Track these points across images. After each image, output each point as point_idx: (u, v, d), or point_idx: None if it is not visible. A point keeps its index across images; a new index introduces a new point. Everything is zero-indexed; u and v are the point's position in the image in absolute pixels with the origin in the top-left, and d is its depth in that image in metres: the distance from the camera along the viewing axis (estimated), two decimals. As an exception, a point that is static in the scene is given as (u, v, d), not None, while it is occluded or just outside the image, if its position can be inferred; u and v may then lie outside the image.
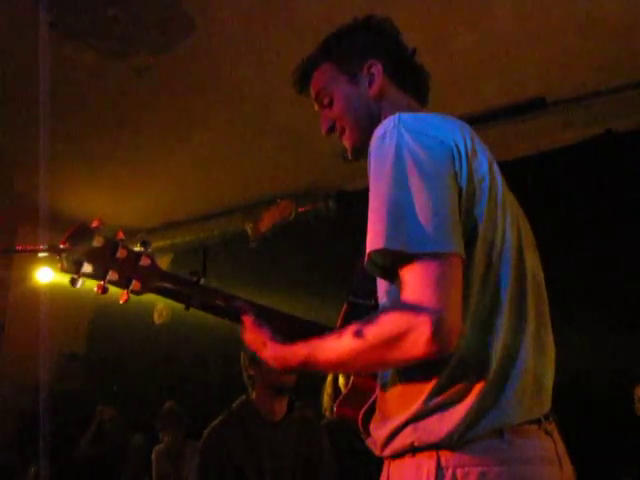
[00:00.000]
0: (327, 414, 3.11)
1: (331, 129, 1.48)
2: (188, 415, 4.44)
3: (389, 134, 1.13)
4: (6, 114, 3.90)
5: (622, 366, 3.46)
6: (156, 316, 6.03)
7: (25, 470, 4.55)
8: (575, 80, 3.69)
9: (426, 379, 1.09)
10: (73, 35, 3.21)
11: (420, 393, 1.09)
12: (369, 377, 1.38)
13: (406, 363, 1.10)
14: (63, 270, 1.24)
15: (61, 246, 1.24)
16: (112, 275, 1.28)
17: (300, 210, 4.95)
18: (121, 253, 1.29)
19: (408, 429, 1.10)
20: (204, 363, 5.38)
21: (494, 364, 1.08)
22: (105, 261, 1.28)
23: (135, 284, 1.32)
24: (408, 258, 1.04)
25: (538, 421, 1.13)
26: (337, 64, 1.44)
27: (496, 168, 1.23)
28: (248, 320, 1.35)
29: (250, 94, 3.80)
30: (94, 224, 1.27)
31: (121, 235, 1.31)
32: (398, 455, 1.13)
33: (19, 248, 1.42)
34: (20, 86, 3.56)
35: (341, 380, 3.03)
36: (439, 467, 1.05)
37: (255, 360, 2.73)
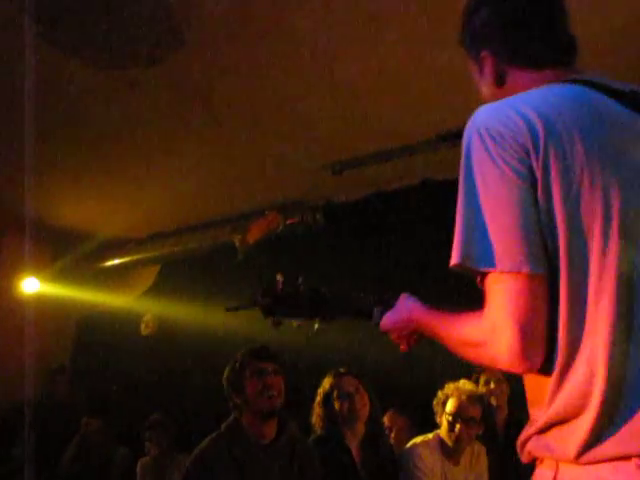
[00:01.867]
0: (318, 433, 3.08)
1: None
2: (175, 427, 4.41)
3: (466, 136, 1.10)
4: (-7, 124, 3.89)
5: None
6: (143, 327, 6.00)
7: (9, 483, 4.49)
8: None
9: (543, 394, 1.06)
10: (62, 47, 3.22)
11: (540, 407, 1.07)
12: None
13: (495, 367, 1.15)
14: (265, 317, 1.53)
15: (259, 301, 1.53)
16: (302, 317, 1.54)
17: (288, 222, 4.96)
18: (304, 297, 1.53)
19: (532, 439, 1.10)
20: (191, 374, 5.35)
21: (609, 384, 0.97)
22: (294, 306, 1.53)
23: (325, 316, 1.54)
24: (485, 273, 1.04)
25: None
26: (467, 51, 1.35)
27: (612, 144, 1.06)
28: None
29: (238, 107, 3.82)
30: (281, 280, 1.54)
31: (300, 280, 1.56)
32: (533, 462, 1.13)
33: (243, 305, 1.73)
34: (7, 96, 3.56)
35: (337, 404, 3.02)
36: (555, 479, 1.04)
37: (238, 388, 2.71)
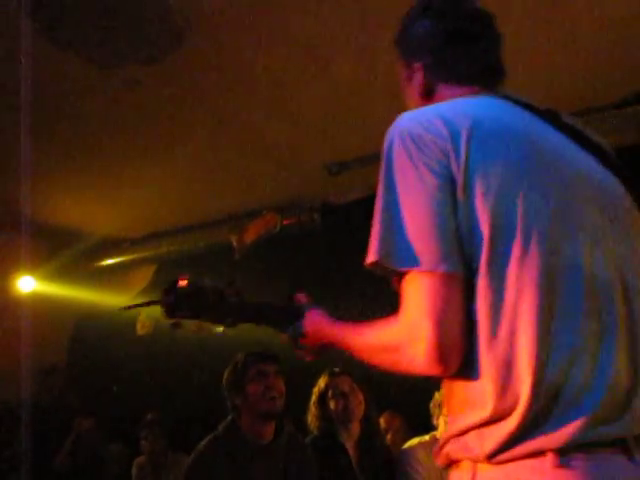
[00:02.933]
0: (314, 433, 3.08)
1: None
2: (170, 426, 4.40)
3: (387, 139, 1.12)
4: (-11, 122, 3.88)
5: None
6: (139, 327, 5.98)
7: (3, 483, 4.48)
8: (557, 99, 3.74)
9: (463, 394, 1.06)
10: (60, 43, 3.21)
11: (459, 407, 1.08)
12: None
13: (411, 374, 1.10)
14: (167, 316, 1.41)
15: (161, 299, 1.41)
16: (206, 317, 1.44)
17: (285, 223, 4.95)
18: (211, 296, 1.43)
19: (450, 442, 1.09)
20: (187, 374, 5.34)
21: (537, 381, 0.97)
22: (199, 305, 1.41)
23: (228, 321, 1.47)
24: (401, 273, 1.04)
25: (616, 443, 0.97)
26: (400, 59, 1.38)
27: (534, 155, 1.09)
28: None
29: (237, 107, 3.82)
30: (183, 278, 1.42)
31: (208, 282, 1.45)
32: (447, 465, 1.13)
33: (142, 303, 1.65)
34: (3, 94, 3.54)
35: (332, 404, 3.02)
36: None
37: (239, 389, 2.70)
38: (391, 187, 1.07)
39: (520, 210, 1.02)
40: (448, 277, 1.01)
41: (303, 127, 4.02)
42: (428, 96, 1.30)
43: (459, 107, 1.13)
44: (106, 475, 4.58)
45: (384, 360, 1.13)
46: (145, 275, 6.13)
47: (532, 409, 0.96)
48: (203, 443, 2.63)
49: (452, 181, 1.03)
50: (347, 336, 1.26)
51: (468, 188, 1.03)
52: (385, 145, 1.12)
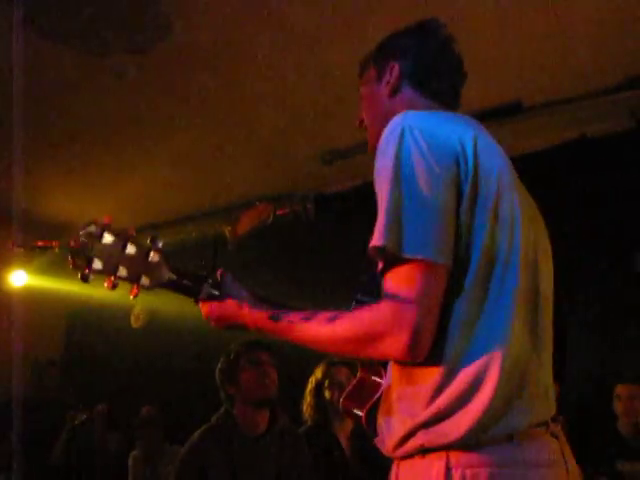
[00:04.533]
0: (308, 423, 3.08)
1: (360, 123, 1.54)
2: (166, 420, 4.39)
3: (395, 131, 1.16)
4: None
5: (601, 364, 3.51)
6: (133, 320, 5.97)
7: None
8: (552, 85, 3.73)
9: (436, 382, 1.10)
10: (48, 34, 3.17)
11: (430, 396, 1.11)
12: (374, 375, 1.46)
13: (378, 360, 1.22)
14: (74, 267, 1.24)
15: (72, 243, 1.24)
16: (122, 271, 1.28)
17: (278, 213, 4.94)
18: (130, 249, 1.29)
19: (420, 432, 1.11)
20: (182, 367, 5.33)
21: (504, 371, 1.08)
22: (115, 257, 1.27)
23: (144, 280, 1.32)
24: (399, 260, 1.07)
25: (545, 424, 1.14)
26: (374, 65, 1.49)
27: (509, 172, 1.22)
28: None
29: (229, 96, 3.78)
30: (104, 221, 1.27)
31: (132, 232, 1.32)
32: (408, 456, 1.15)
33: (38, 244, 1.38)
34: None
35: (327, 394, 3.02)
36: (448, 467, 1.07)
37: (232, 378, 2.70)
38: (400, 177, 1.10)
39: (508, 220, 1.15)
40: (444, 270, 1.08)
41: (296, 117, 3.99)
42: (394, 95, 1.42)
43: (457, 118, 1.25)
44: (104, 466, 4.58)
45: (352, 348, 1.15)
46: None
47: (503, 394, 1.07)
48: (196, 433, 2.63)
49: (458, 183, 1.11)
50: (298, 325, 1.23)
51: (472, 192, 1.12)
52: (392, 135, 1.15)
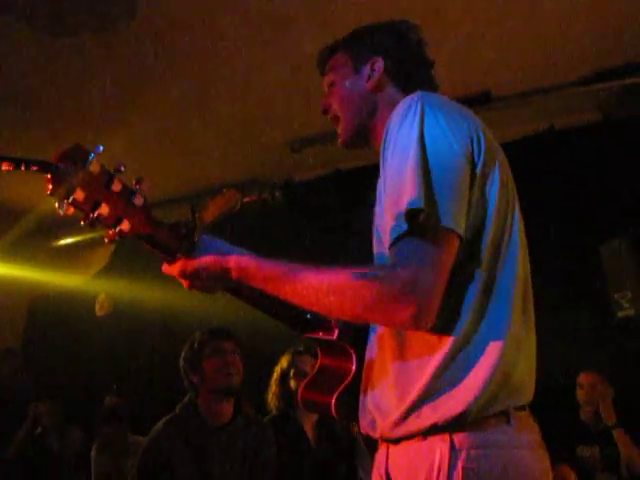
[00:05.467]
0: (273, 412, 3.06)
1: (325, 111, 1.52)
2: (129, 411, 4.32)
3: (414, 108, 1.16)
4: None
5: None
6: (97, 308, 5.86)
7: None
8: (520, 75, 3.74)
9: (444, 354, 1.10)
10: (11, 13, 3.05)
11: (437, 367, 1.10)
12: (341, 360, 1.39)
13: (376, 323, 1.21)
14: (52, 192, 1.09)
15: (54, 162, 1.10)
16: (103, 209, 1.14)
17: (246, 200, 4.88)
18: (116, 186, 1.16)
19: (426, 408, 1.10)
20: (148, 356, 5.26)
21: (506, 347, 1.11)
22: (98, 191, 1.14)
23: (124, 224, 1.19)
24: (429, 228, 1.06)
25: (528, 407, 1.19)
26: (350, 55, 1.49)
27: (507, 164, 1.28)
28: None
29: (195, 81, 3.71)
30: (94, 148, 1.13)
31: (121, 168, 1.18)
32: (406, 438, 1.13)
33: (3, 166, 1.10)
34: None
35: (292, 383, 3.00)
36: (453, 449, 1.07)
37: (196, 366, 2.66)
38: (427, 150, 1.10)
39: (504, 203, 1.20)
40: (459, 243, 1.09)
41: (265, 103, 3.94)
42: (377, 90, 1.42)
43: (464, 108, 1.28)
44: (63, 462, 4.49)
45: (355, 309, 1.09)
46: (104, 254, 5.98)
47: (503, 369, 1.10)
48: (159, 424, 2.59)
49: (473, 162, 1.15)
50: (292, 272, 1.18)
51: (483, 172, 1.16)
52: (412, 109, 1.16)
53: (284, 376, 3.07)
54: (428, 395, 1.10)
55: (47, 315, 6.16)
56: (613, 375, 3.59)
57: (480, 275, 1.14)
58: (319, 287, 1.11)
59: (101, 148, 1.12)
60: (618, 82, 3.68)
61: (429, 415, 1.09)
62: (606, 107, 3.97)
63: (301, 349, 3.09)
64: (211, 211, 5.00)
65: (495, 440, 1.09)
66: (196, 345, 2.71)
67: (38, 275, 5.78)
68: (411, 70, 1.46)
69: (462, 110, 1.25)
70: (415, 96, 1.21)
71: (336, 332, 1.39)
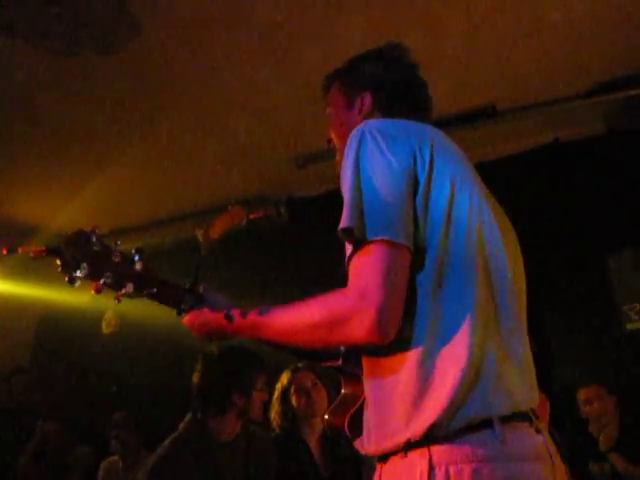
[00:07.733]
0: (276, 431, 3.05)
1: (329, 141, 1.62)
2: (139, 426, 4.32)
3: (356, 135, 1.24)
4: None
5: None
6: (104, 325, 5.86)
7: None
8: (525, 89, 3.76)
9: (410, 367, 1.11)
10: (16, 34, 3.09)
11: (405, 382, 1.11)
12: (355, 384, 1.50)
13: (348, 345, 1.27)
14: (62, 270, 1.30)
15: (61, 247, 1.31)
16: (108, 277, 1.35)
17: (251, 217, 4.90)
18: (116, 257, 1.37)
19: (398, 424, 1.11)
20: (155, 372, 5.25)
21: (469, 356, 1.09)
22: (102, 263, 1.34)
23: (129, 287, 1.38)
24: (362, 242, 1.12)
25: (528, 418, 1.14)
26: (343, 88, 1.57)
27: (470, 173, 1.31)
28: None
29: (200, 98, 3.74)
30: (91, 229, 1.34)
31: (96, 231, 1.36)
32: (391, 454, 1.14)
33: (20, 250, 1.71)
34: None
35: (294, 399, 2.99)
36: (431, 466, 1.05)
37: (248, 391, 2.66)
38: (361, 171, 1.18)
39: (468, 206, 1.21)
40: (406, 250, 1.12)
41: (270, 120, 3.96)
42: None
43: (419, 125, 1.33)
44: (73, 476, 4.47)
45: (320, 334, 1.15)
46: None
47: (470, 380, 1.08)
48: (166, 444, 2.55)
49: (414, 175, 1.19)
50: (270, 319, 1.26)
51: (431, 184, 1.19)
52: (354, 139, 1.24)
53: (284, 393, 3.06)
54: (399, 410, 1.11)
55: (55, 333, 6.16)
56: (622, 388, 3.56)
57: (433, 283, 1.14)
58: (291, 328, 1.22)
59: (97, 230, 1.34)
60: (622, 94, 3.68)
61: (403, 430, 1.10)
62: (611, 119, 3.98)
63: (300, 365, 3.08)
64: (217, 227, 5.03)
65: (477, 454, 1.04)
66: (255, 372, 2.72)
67: (46, 293, 5.80)
68: (399, 98, 1.51)
69: (409, 129, 1.29)
70: (359, 126, 1.27)
71: (340, 359, 1.52)
